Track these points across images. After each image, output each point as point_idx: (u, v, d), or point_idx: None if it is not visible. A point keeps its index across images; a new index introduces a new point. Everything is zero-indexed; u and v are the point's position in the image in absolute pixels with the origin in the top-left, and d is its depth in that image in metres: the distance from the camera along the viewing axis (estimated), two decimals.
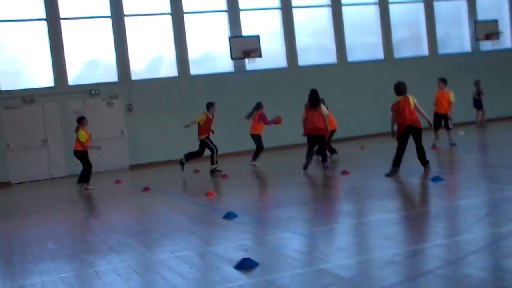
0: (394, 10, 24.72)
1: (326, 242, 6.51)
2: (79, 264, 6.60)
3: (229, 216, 8.47)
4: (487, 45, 25.57)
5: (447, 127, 15.79)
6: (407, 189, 9.91)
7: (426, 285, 4.53)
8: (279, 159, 18.28)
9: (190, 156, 16.61)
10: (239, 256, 5.90)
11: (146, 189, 13.22)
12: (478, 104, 21.40)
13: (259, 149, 16.25)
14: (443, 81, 15.99)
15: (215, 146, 16.19)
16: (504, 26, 25.89)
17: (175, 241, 7.27)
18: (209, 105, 16.52)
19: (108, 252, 7.02)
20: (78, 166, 19.41)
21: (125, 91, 20.94)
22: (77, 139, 14.86)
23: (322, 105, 14.06)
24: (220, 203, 10.27)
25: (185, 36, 21.71)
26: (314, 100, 13.99)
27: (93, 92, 20.53)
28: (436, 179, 9.74)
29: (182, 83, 21.67)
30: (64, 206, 12.62)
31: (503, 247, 5.37)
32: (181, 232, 7.89)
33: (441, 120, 15.75)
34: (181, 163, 16.55)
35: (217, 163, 15.98)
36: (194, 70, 21.96)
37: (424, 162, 11.28)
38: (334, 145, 17.02)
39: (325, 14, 23.81)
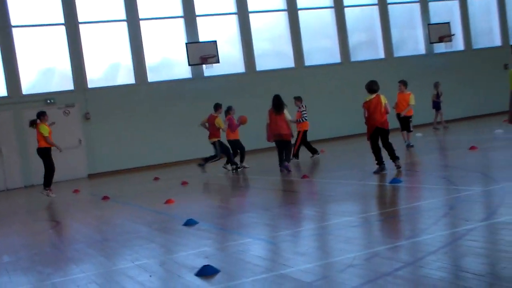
0: (350, 14, 25.00)
1: (287, 247, 6.52)
2: (36, 277, 6.46)
3: (189, 223, 8.42)
4: (440, 48, 26.05)
5: (407, 129, 16.01)
6: (365, 192, 10.00)
7: (386, 287, 4.57)
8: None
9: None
10: (200, 263, 5.87)
11: (105, 198, 13.05)
12: (437, 105, 21.70)
13: (242, 151, 16.43)
14: (404, 83, 16.20)
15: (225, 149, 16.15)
16: (456, 29, 26.42)
17: (135, 250, 7.18)
18: (217, 106, 16.46)
19: (67, 263, 6.90)
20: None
21: (82, 99, 20.69)
22: (40, 135, 14.31)
23: (285, 110, 14.18)
24: (180, 210, 10.20)
25: (141, 43, 21.58)
26: (278, 105, 14.14)
27: (49, 101, 20.21)
28: (394, 181, 9.86)
29: (140, 90, 21.52)
30: (20, 217, 12.37)
31: (460, 247, 5.46)
32: (141, 240, 7.79)
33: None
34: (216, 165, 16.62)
35: (234, 163, 16.05)
36: (151, 77, 21.82)
37: (394, 158, 11.49)
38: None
39: (282, 19, 23.94)
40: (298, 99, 16.90)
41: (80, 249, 7.67)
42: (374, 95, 11.44)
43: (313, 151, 16.77)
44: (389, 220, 7.06)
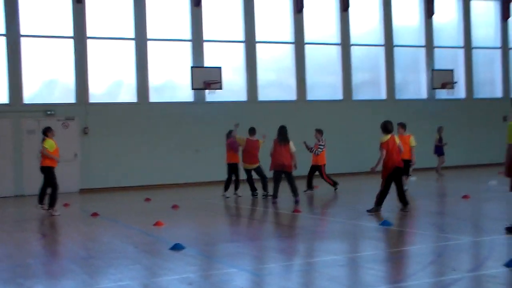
0: (356, 52, 25.19)
1: (270, 280, 6.49)
2: None
3: (176, 247, 8.39)
4: (442, 94, 26.20)
5: (406, 173, 15.75)
6: (356, 232, 9.96)
7: None
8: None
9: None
10: None
11: (94, 214, 13.00)
12: (439, 150, 21.45)
13: (236, 178, 16.42)
14: (402, 126, 16.01)
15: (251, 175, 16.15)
16: (459, 77, 26.60)
17: (119, 270, 7.14)
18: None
19: (48, 278, 6.85)
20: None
21: (82, 113, 20.69)
22: (45, 150, 13.74)
23: (291, 142, 14.25)
24: (168, 234, 10.15)
25: (147, 63, 21.67)
26: (284, 136, 14.25)
27: (49, 112, 20.22)
28: (385, 223, 9.84)
29: (141, 110, 21.55)
30: (7, 227, 12.28)
31: None
32: (126, 260, 7.75)
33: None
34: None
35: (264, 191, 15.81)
36: (153, 97, 21.89)
37: (405, 203, 11.49)
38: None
39: (288, 52, 24.09)
40: (319, 131, 16.97)
41: (64, 265, 7.63)
42: (390, 135, 11.56)
43: (309, 186, 16.80)
44: (376, 262, 7.03)
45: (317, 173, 17.00)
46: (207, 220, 12.48)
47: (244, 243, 8.92)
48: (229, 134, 16.71)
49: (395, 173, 11.44)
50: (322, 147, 16.82)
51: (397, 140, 11.55)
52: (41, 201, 14.09)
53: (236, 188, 16.45)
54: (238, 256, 7.93)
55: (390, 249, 7.98)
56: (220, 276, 6.67)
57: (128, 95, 21.68)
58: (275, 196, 14.22)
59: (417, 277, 6.18)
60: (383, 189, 11.51)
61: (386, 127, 11.64)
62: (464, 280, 5.94)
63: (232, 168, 16.35)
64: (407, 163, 15.62)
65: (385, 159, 11.47)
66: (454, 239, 8.49)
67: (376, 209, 11.44)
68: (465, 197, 13.53)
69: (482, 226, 9.63)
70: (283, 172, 14.26)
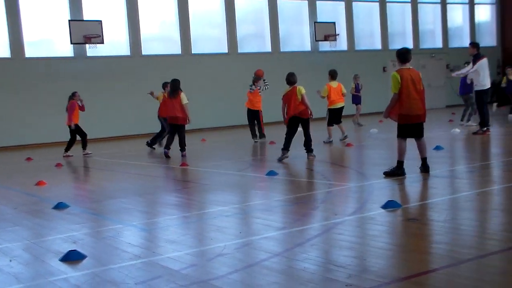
0: (239, 5, 25.10)
1: (158, 234, 6.45)
2: None
3: (60, 206, 8.14)
4: (325, 46, 26.77)
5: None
6: (242, 183, 10.08)
7: (252, 277, 4.61)
8: (120, 149, 17.87)
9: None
10: (67, 248, 5.69)
11: None
12: (356, 100, 21.29)
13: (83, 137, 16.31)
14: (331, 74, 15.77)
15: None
16: (340, 29, 27.23)
17: None
18: (164, 85, 16.06)
19: None
20: None
21: None
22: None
23: (182, 94, 14.00)
24: (51, 193, 9.81)
25: (19, 16, 20.50)
26: (173, 89, 14.03)
27: None
28: (270, 173, 10.01)
29: (16, 66, 20.48)
30: None
31: (326, 240, 5.61)
32: (4, 223, 7.41)
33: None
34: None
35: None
36: (29, 52, 20.84)
37: (309, 150, 12.10)
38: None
39: (172, 5, 23.63)
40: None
41: None
42: (291, 87, 12.09)
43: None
44: (262, 211, 7.14)
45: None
46: (92, 177, 12.18)
47: (130, 199, 8.78)
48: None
49: (294, 121, 12.01)
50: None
51: (299, 92, 11.91)
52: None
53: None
54: (124, 212, 7.80)
55: (275, 198, 8.14)
56: (106, 232, 6.54)
57: (1, 50, 20.52)
58: (167, 147, 14.11)
59: (302, 223, 6.35)
60: (286, 135, 12.13)
61: (288, 79, 12.21)
62: (345, 223, 6.17)
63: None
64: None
65: (285, 108, 12.15)
66: (337, 186, 8.79)
67: (283, 154, 11.95)
68: (348, 145, 14.03)
69: (363, 172, 10.03)
70: (175, 125, 14.12)
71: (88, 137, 16.21)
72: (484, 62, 14.47)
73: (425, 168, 9.11)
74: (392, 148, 13.40)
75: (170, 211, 7.83)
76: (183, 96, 14.00)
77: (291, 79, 12.16)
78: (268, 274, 4.58)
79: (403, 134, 9.04)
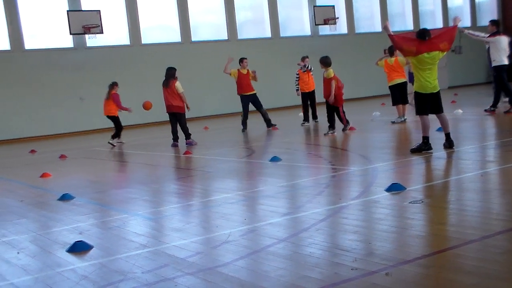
0: None
1: (163, 223, 6.48)
2: None
3: (65, 197, 8.19)
4: (325, 30, 26.69)
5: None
6: (245, 169, 10.10)
7: (258, 263, 4.63)
8: (123, 139, 17.89)
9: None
10: (73, 239, 5.72)
11: None
12: None
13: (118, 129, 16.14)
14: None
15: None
16: (340, 13, 27.13)
17: (3, 225, 6.86)
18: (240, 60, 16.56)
19: None
20: None
21: None
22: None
23: (177, 83, 13.96)
24: (56, 185, 9.86)
25: (17, 8, 20.47)
26: (166, 77, 14.01)
27: None
28: (274, 159, 10.02)
29: (16, 58, 20.47)
30: None
31: (331, 224, 5.64)
32: (10, 215, 7.45)
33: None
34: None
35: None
36: (29, 44, 20.83)
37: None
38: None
39: None
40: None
41: None
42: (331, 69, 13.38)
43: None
44: (266, 198, 7.17)
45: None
46: (96, 168, 12.21)
47: (135, 188, 8.81)
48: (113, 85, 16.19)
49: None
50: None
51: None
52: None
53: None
54: (129, 201, 7.83)
55: (279, 184, 8.15)
56: (111, 222, 6.57)
57: (0, 42, 20.51)
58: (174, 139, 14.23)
59: (306, 208, 6.37)
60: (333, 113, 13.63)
61: (329, 62, 13.59)
62: (350, 207, 6.18)
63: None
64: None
65: (340, 88, 13.54)
66: (341, 170, 8.80)
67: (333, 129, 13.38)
68: (351, 129, 14.02)
69: (367, 156, 10.03)
70: (173, 114, 14.14)
71: (89, 128, 16.27)
72: (502, 39, 14.32)
73: (449, 144, 9.23)
74: (394, 131, 13.44)
75: (175, 199, 7.86)
76: (178, 85, 13.98)
77: (330, 61, 13.40)
78: (274, 260, 4.60)
79: (420, 109, 9.21)
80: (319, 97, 15.39)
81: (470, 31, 15.40)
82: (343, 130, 13.72)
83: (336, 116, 13.48)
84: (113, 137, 16.06)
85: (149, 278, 4.47)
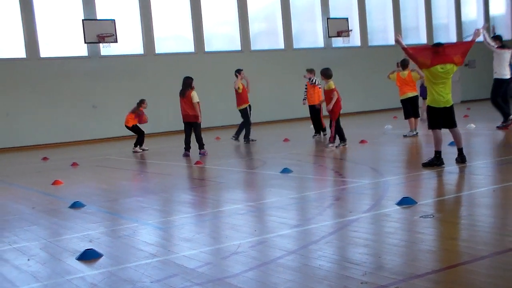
0: (252, 2, 25.10)
1: (173, 232, 6.48)
2: None
3: (76, 205, 8.21)
4: (338, 42, 26.71)
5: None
6: (257, 181, 10.09)
7: (267, 275, 4.62)
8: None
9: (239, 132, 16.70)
10: (83, 247, 5.73)
11: None
12: None
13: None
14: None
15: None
16: (353, 25, 27.15)
17: (14, 232, 6.89)
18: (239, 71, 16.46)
19: None
20: None
21: None
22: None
23: (193, 93, 13.99)
24: (67, 192, 9.90)
25: (34, 16, 20.66)
26: (183, 87, 14.03)
27: None
28: (285, 170, 10.01)
29: (31, 65, 20.64)
30: None
31: (341, 237, 5.61)
32: (22, 222, 7.49)
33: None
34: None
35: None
36: (44, 52, 20.99)
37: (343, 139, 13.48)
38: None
39: (184, 3, 23.69)
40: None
41: None
42: (331, 81, 13.16)
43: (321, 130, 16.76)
44: (277, 209, 7.15)
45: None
46: (108, 176, 12.26)
47: (146, 197, 8.83)
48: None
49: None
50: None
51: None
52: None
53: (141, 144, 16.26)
54: (139, 210, 7.85)
55: (290, 195, 8.14)
56: (121, 231, 6.58)
57: (17, 50, 20.68)
58: (186, 148, 14.23)
59: (316, 220, 6.35)
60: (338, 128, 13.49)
61: (330, 74, 13.31)
62: (360, 220, 6.16)
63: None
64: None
65: (338, 101, 13.33)
66: (352, 183, 8.78)
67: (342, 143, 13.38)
68: (362, 142, 13.99)
69: (378, 169, 9.99)
70: (188, 123, 14.16)
71: (102, 137, 16.36)
72: (507, 53, 14.21)
73: (461, 159, 9.18)
74: (405, 144, 13.39)
75: (185, 209, 7.87)
76: (194, 94, 14.00)
77: (331, 73, 13.18)
78: (283, 272, 4.59)
79: (432, 124, 9.19)
80: (324, 110, 15.38)
81: (486, 33, 15.22)
82: (326, 146, 13.44)
83: (337, 127, 13.31)
84: (136, 145, 16.28)
85: (158, 287, 4.47)
